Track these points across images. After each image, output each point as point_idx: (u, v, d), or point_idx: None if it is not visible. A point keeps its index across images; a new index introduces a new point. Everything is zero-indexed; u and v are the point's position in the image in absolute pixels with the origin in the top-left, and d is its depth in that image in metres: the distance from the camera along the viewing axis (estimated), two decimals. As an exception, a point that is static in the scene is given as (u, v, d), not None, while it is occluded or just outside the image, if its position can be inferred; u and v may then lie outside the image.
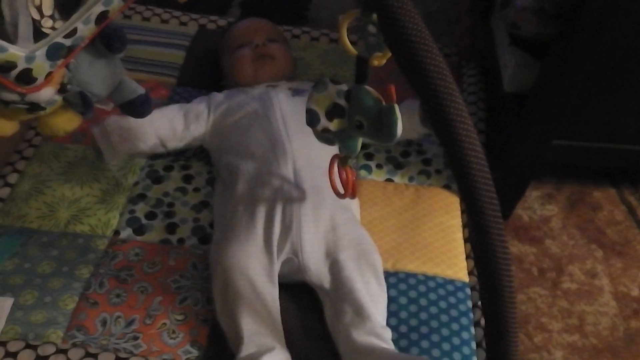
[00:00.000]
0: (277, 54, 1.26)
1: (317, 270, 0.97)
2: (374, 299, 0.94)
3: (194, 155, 1.22)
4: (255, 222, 0.97)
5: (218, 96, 1.21)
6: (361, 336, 0.89)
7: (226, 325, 0.92)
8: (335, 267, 0.96)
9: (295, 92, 1.20)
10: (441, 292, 1.02)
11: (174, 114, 1.17)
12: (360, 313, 0.91)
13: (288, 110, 1.12)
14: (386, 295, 0.97)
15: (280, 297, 0.94)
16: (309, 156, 1.04)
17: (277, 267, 0.96)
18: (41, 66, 0.72)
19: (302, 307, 0.99)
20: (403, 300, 0.99)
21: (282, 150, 1.04)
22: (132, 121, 1.10)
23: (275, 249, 0.96)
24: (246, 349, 0.88)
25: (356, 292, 0.93)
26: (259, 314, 0.90)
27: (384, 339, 0.90)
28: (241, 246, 0.95)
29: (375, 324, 0.91)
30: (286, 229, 0.96)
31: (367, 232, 1.04)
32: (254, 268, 0.94)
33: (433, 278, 1.03)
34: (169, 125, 1.15)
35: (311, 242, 0.97)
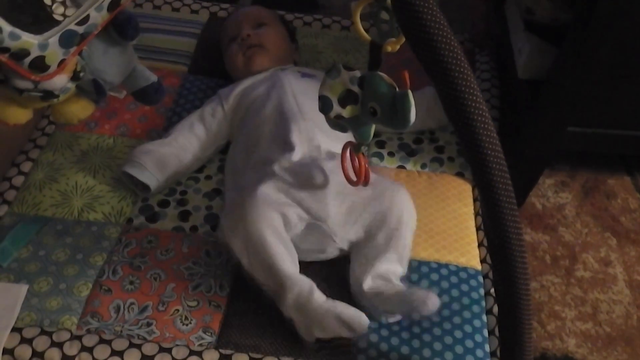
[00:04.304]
0: (265, 41, 1.24)
1: (345, 232, 0.99)
2: (397, 246, 0.97)
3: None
4: (276, 188, 0.98)
5: (225, 89, 1.22)
6: (368, 281, 0.94)
7: (263, 274, 0.93)
8: (363, 223, 0.99)
9: (305, 74, 1.20)
10: (454, 279, 1.02)
11: (191, 121, 1.17)
12: (374, 258, 0.96)
13: (299, 89, 1.13)
14: (409, 247, 1.00)
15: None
16: (323, 131, 1.04)
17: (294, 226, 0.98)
18: (54, 54, 0.72)
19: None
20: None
21: (297, 127, 1.05)
22: (159, 148, 1.12)
23: (292, 213, 0.97)
24: (293, 289, 0.90)
25: (378, 237, 0.98)
26: (289, 256, 0.93)
27: (390, 279, 0.96)
28: (263, 203, 0.95)
29: (381, 267, 0.96)
30: (308, 198, 0.98)
31: (392, 180, 1.08)
32: (276, 220, 0.94)
33: (446, 266, 1.03)
34: (193, 136, 1.15)
35: (336, 209, 0.98)
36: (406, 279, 1.00)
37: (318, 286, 0.92)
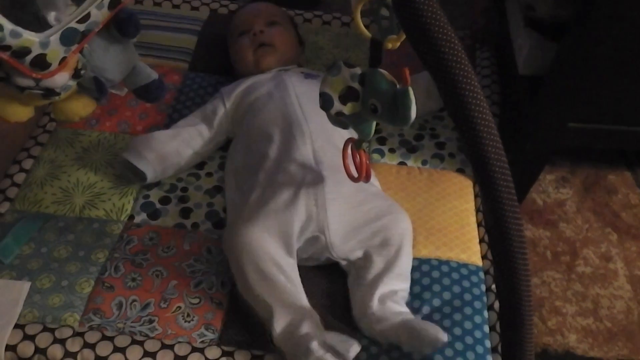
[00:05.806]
0: (277, 40, 1.24)
1: (343, 245, 0.98)
2: (395, 269, 0.96)
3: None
4: (278, 204, 0.96)
5: (228, 86, 1.22)
6: (375, 303, 0.92)
7: (253, 301, 0.93)
8: (362, 240, 0.98)
9: (308, 75, 1.20)
10: (455, 276, 1.02)
11: (193, 118, 1.18)
12: (376, 280, 0.94)
13: (302, 91, 1.12)
14: (410, 266, 1.00)
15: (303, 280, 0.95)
16: (326, 136, 1.04)
17: (296, 243, 0.96)
18: (55, 51, 0.73)
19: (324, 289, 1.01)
20: (416, 289, 0.99)
21: (300, 130, 1.04)
22: (159, 138, 1.12)
23: (296, 229, 0.95)
24: (282, 319, 0.89)
25: (377, 262, 0.96)
26: (283, 287, 0.91)
27: (397, 300, 0.94)
28: (260, 226, 0.94)
29: (385, 288, 0.94)
30: (310, 209, 0.96)
31: (395, 202, 1.05)
32: (273, 244, 0.93)
33: (447, 262, 1.03)
34: (195, 131, 1.15)
35: (336, 219, 0.97)
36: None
37: (318, 297, 0.93)
